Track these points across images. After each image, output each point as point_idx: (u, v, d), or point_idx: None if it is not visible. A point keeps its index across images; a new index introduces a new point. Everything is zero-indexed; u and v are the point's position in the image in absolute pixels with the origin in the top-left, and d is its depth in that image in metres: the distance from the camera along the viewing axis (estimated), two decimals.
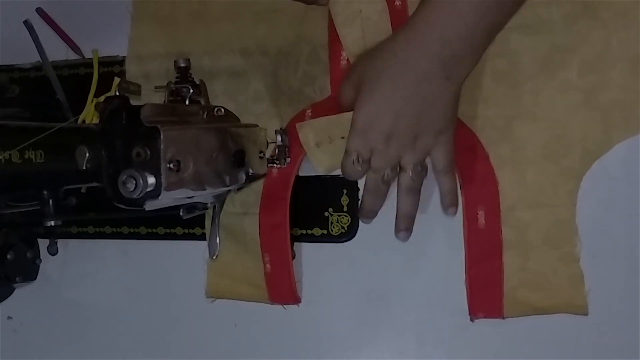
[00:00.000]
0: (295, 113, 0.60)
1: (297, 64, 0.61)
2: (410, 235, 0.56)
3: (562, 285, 0.56)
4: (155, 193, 0.45)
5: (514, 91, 0.56)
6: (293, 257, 0.62)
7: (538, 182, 0.56)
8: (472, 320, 0.58)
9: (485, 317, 0.57)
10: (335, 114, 0.56)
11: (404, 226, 0.56)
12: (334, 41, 0.59)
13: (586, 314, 0.55)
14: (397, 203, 0.55)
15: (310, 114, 0.59)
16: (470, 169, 0.57)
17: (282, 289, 0.61)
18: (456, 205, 0.56)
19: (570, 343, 0.57)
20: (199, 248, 0.64)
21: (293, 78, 0.60)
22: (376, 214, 0.57)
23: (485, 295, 0.57)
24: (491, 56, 0.55)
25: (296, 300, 0.61)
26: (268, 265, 0.60)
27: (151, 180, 0.45)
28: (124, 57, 0.67)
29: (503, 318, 0.57)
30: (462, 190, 0.58)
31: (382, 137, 0.51)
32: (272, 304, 0.62)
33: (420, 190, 0.55)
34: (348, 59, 0.58)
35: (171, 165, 0.45)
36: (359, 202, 0.58)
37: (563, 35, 0.55)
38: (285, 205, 0.59)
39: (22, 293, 0.69)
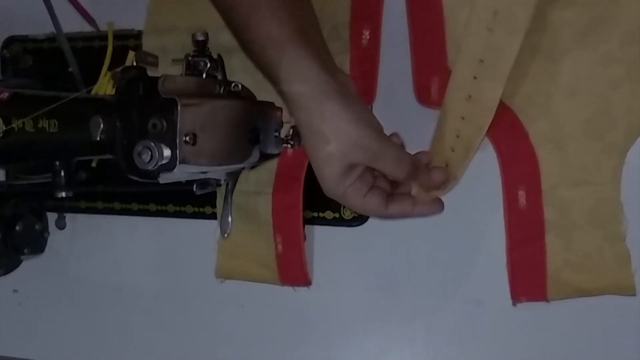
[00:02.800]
0: None
1: None
2: None
3: (608, 265, 0.54)
4: (170, 166, 0.44)
5: (553, 66, 0.54)
6: (304, 239, 0.61)
7: (580, 160, 0.54)
8: (514, 304, 0.56)
9: (528, 301, 0.56)
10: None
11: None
12: (356, 19, 0.58)
13: (634, 294, 0.54)
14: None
15: None
16: (509, 149, 0.56)
17: (293, 270, 0.60)
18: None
19: (584, 331, 0.56)
20: (208, 227, 0.64)
21: None
22: None
23: (528, 279, 0.56)
24: (529, 31, 0.52)
25: (307, 282, 0.61)
26: (280, 246, 0.60)
27: (167, 152, 0.44)
28: (139, 30, 0.66)
29: (547, 301, 0.56)
30: (501, 170, 0.56)
31: None
32: (282, 285, 0.61)
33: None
34: (370, 37, 0.57)
35: (187, 139, 0.45)
36: None
37: (603, 7, 0.53)
38: (299, 186, 0.59)
39: (28, 266, 0.68)
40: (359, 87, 0.55)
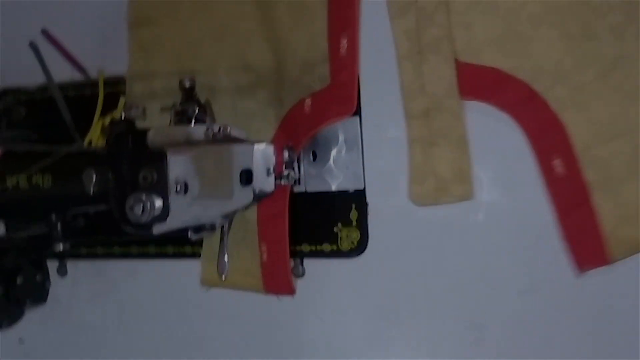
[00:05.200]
0: (294, 102, 0.59)
1: (295, 52, 0.60)
2: None
3: None
4: (162, 216, 0.45)
5: (557, 31, 0.54)
6: (302, 275, 0.62)
7: (605, 115, 0.53)
8: (579, 275, 0.55)
9: (593, 268, 0.54)
10: (336, 102, 0.55)
11: None
12: (333, 28, 0.58)
13: None
14: None
15: (309, 104, 0.58)
16: (532, 121, 0.55)
17: (278, 279, 0.60)
18: None
19: (589, 352, 0.56)
20: None
21: (292, 66, 0.60)
22: None
23: (587, 245, 0.54)
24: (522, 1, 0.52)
25: (291, 291, 0.60)
26: (265, 255, 0.59)
27: (158, 203, 0.45)
28: None
29: (611, 263, 0.54)
30: (531, 144, 0.55)
31: None
32: (266, 294, 0.61)
33: None
34: (348, 45, 0.57)
35: (178, 188, 0.45)
36: None
37: None
38: (285, 194, 0.58)
39: (32, 315, 0.68)
40: (340, 96, 0.55)
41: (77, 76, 0.69)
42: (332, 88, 0.57)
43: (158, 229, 0.46)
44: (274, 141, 0.59)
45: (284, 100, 0.60)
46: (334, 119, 0.57)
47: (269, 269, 0.60)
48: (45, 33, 0.69)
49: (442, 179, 0.56)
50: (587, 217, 0.54)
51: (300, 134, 0.58)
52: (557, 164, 0.54)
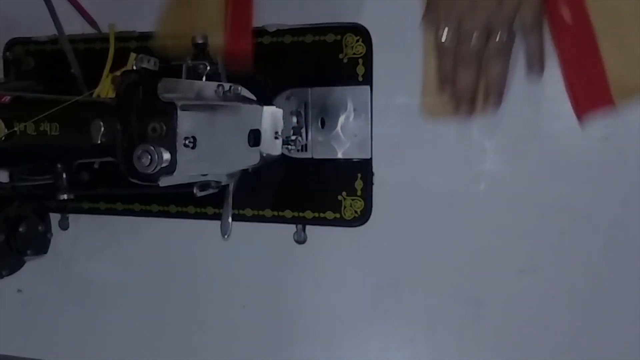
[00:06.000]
0: None
1: None
2: (500, 105, 0.55)
3: None
4: (170, 169, 0.45)
5: None
6: (304, 241, 0.62)
7: None
8: (581, 124, 0.55)
9: (595, 111, 0.55)
10: None
11: (495, 98, 0.55)
12: None
13: None
14: (488, 69, 0.54)
15: None
16: None
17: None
18: (542, 68, 0.54)
19: (584, 332, 0.56)
20: (210, 227, 0.64)
21: None
22: (472, 89, 0.55)
23: (590, 93, 0.55)
24: None
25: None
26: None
27: (166, 155, 0.44)
28: (140, 32, 0.66)
29: (614, 107, 0.54)
30: None
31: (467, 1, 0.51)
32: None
33: (510, 55, 0.54)
34: None
35: (186, 142, 0.45)
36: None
37: None
38: None
39: (32, 266, 0.69)
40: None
41: (88, 29, 0.68)
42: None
43: (164, 182, 0.45)
44: None
45: None
46: None
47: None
48: None
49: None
50: (594, 65, 0.54)
51: None
52: (566, 13, 0.54)
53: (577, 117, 0.55)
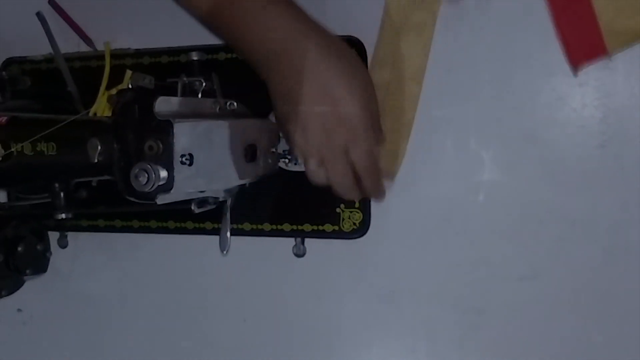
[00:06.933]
0: None
1: None
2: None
3: None
4: (167, 187, 0.45)
5: None
6: (303, 254, 0.62)
7: None
8: (575, 74, 0.55)
9: (589, 62, 0.55)
10: None
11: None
12: None
13: None
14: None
15: None
16: None
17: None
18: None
19: (585, 338, 0.56)
20: (209, 243, 0.64)
21: None
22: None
23: (583, 40, 0.54)
24: None
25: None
26: None
27: (163, 173, 0.44)
28: (135, 49, 0.66)
29: (608, 55, 0.54)
30: None
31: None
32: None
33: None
34: None
35: (183, 159, 0.45)
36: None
37: None
38: None
39: (32, 286, 0.69)
40: None
41: (83, 47, 0.69)
42: None
43: (162, 199, 0.45)
44: None
45: None
46: None
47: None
48: (52, 3, 0.69)
49: None
50: (585, 11, 0.54)
51: None
52: None
53: (571, 69, 0.55)
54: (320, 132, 0.49)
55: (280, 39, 0.48)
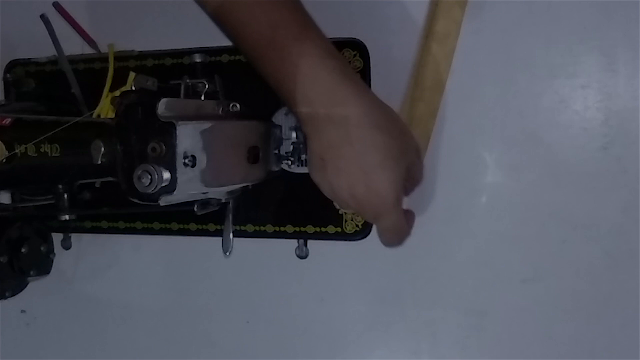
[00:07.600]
0: None
1: None
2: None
3: None
4: (170, 188, 0.45)
5: None
6: (306, 256, 0.62)
7: None
8: None
9: None
10: None
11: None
12: None
13: None
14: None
15: None
16: None
17: None
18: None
19: (587, 341, 0.56)
20: (212, 244, 0.64)
21: None
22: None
23: None
24: None
25: None
26: None
27: (166, 175, 0.45)
28: (139, 51, 0.67)
29: None
30: None
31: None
32: None
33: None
34: None
35: (186, 161, 0.45)
36: None
37: None
38: None
39: (35, 287, 0.69)
40: None
41: (87, 49, 0.69)
42: None
43: (165, 201, 0.46)
44: None
45: None
46: None
47: None
48: (56, 5, 0.69)
49: None
50: None
51: None
52: None
53: None
54: (349, 199, 0.48)
55: (319, 101, 0.46)
